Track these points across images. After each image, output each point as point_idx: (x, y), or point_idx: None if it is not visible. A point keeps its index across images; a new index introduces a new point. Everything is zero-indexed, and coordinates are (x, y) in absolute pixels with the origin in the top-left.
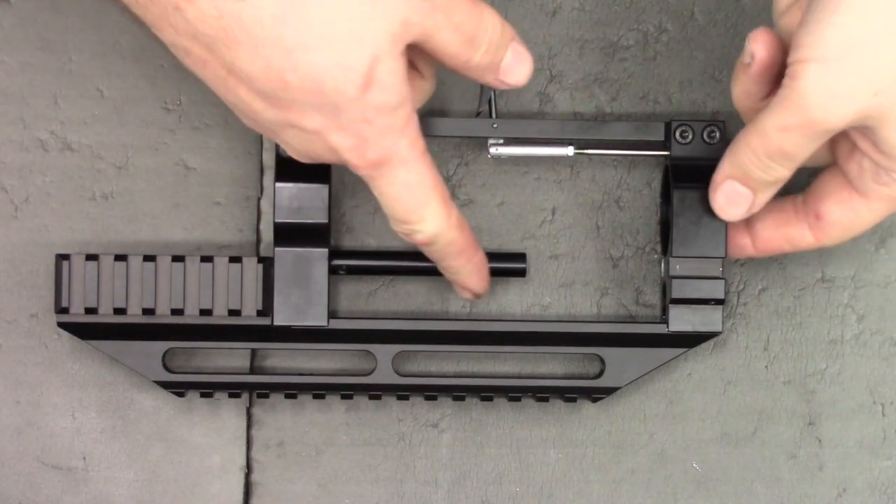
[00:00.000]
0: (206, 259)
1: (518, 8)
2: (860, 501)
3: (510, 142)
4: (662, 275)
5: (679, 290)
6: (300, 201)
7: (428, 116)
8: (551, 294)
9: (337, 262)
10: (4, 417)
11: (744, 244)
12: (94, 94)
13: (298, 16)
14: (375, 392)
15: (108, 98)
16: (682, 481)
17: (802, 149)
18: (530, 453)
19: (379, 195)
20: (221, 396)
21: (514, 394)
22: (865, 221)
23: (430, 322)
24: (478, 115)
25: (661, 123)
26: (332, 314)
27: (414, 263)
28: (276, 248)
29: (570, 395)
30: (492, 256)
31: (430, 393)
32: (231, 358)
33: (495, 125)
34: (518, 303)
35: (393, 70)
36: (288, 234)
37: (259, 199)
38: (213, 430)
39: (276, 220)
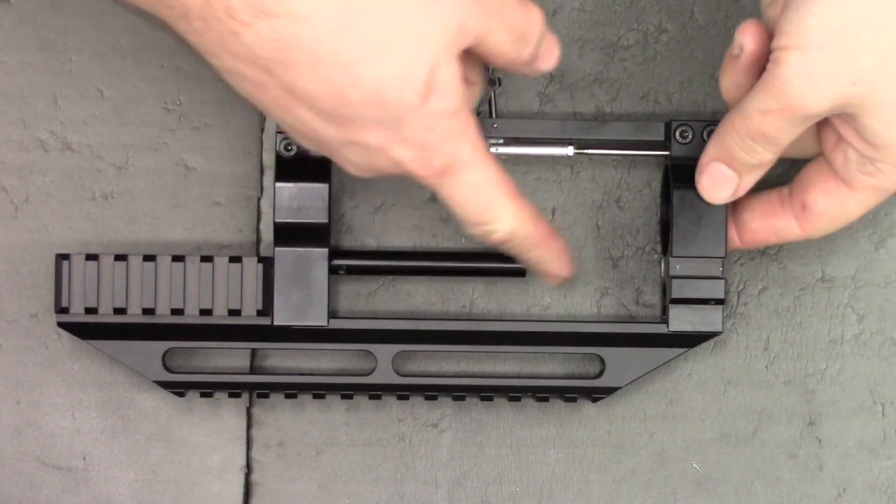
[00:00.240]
0: (206, 259)
1: None
2: (860, 501)
3: (510, 142)
4: (662, 275)
5: (679, 290)
6: (300, 201)
7: None
8: (551, 294)
9: (337, 262)
10: (4, 417)
11: (730, 236)
12: (94, 94)
13: (355, 30)
14: (375, 392)
15: (108, 98)
16: (682, 481)
17: (783, 133)
18: (530, 453)
19: (448, 202)
20: (221, 396)
21: (514, 394)
22: (852, 212)
23: (430, 322)
24: (478, 115)
25: (661, 123)
26: (332, 314)
27: (414, 263)
28: (276, 248)
29: (570, 395)
30: (492, 256)
31: (430, 393)
32: (231, 358)
33: (495, 125)
34: (518, 303)
35: (451, 75)
36: (288, 234)
37: (259, 199)
38: (213, 430)
39: (276, 220)
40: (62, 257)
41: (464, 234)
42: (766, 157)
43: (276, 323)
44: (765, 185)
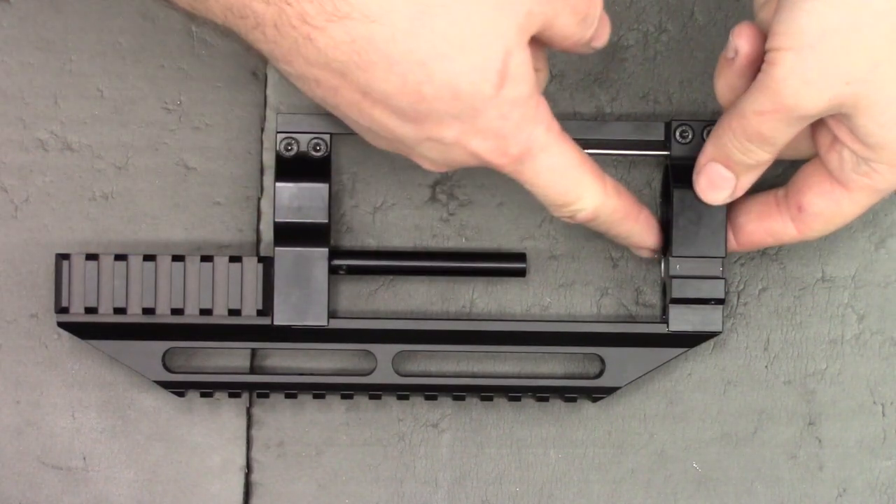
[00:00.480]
0: (206, 259)
1: None
2: (860, 501)
3: None
4: (662, 275)
5: (679, 289)
6: (300, 201)
7: None
8: (551, 294)
9: (337, 262)
10: (4, 417)
11: (727, 239)
12: (94, 94)
13: (429, 26)
14: (375, 392)
15: (108, 98)
16: (682, 481)
17: (779, 133)
18: (530, 453)
19: (530, 187)
20: (221, 396)
21: (514, 394)
22: (847, 213)
23: (430, 322)
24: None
25: (661, 123)
26: (332, 314)
27: (414, 263)
28: (276, 248)
29: (570, 395)
30: (492, 256)
31: (430, 393)
32: (231, 358)
33: None
34: (518, 303)
35: (523, 62)
36: (288, 234)
37: (259, 199)
38: (213, 430)
39: (276, 220)
40: (62, 257)
41: (551, 214)
42: (762, 158)
43: (276, 323)
44: (763, 186)
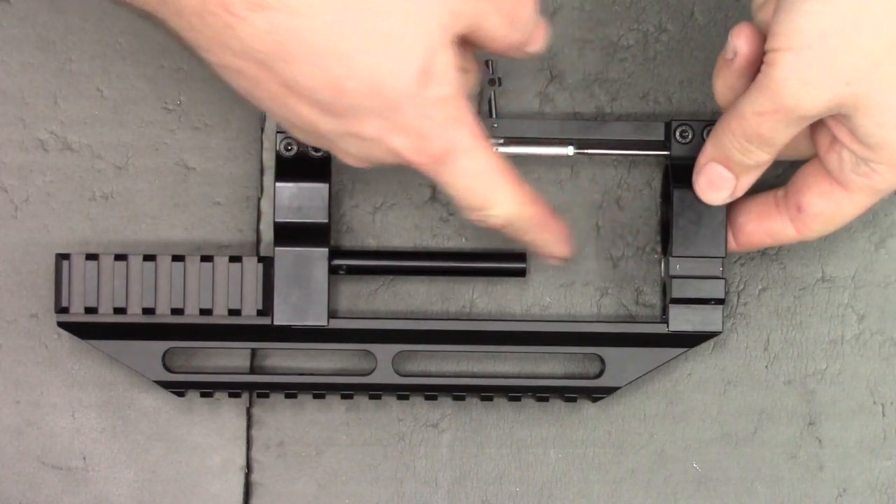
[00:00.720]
0: (206, 259)
1: None
2: (860, 501)
3: (510, 142)
4: (662, 275)
5: (679, 289)
6: (300, 201)
7: None
8: (551, 294)
9: (337, 262)
10: (4, 417)
11: (727, 239)
12: (94, 94)
13: (352, 21)
14: (375, 392)
15: (108, 98)
16: (682, 481)
17: (779, 134)
18: (530, 453)
19: (447, 188)
20: (221, 396)
21: (514, 394)
22: (847, 213)
23: (430, 322)
24: (478, 114)
25: (661, 123)
26: (332, 314)
27: (414, 263)
28: (276, 248)
29: (570, 395)
30: (492, 256)
31: (430, 393)
32: (231, 358)
33: (495, 125)
34: (518, 303)
35: (447, 62)
36: (288, 234)
37: (259, 199)
38: (213, 430)
39: (276, 220)
40: (62, 257)
41: (464, 218)
42: (762, 158)
43: (276, 323)
44: (762, 186)
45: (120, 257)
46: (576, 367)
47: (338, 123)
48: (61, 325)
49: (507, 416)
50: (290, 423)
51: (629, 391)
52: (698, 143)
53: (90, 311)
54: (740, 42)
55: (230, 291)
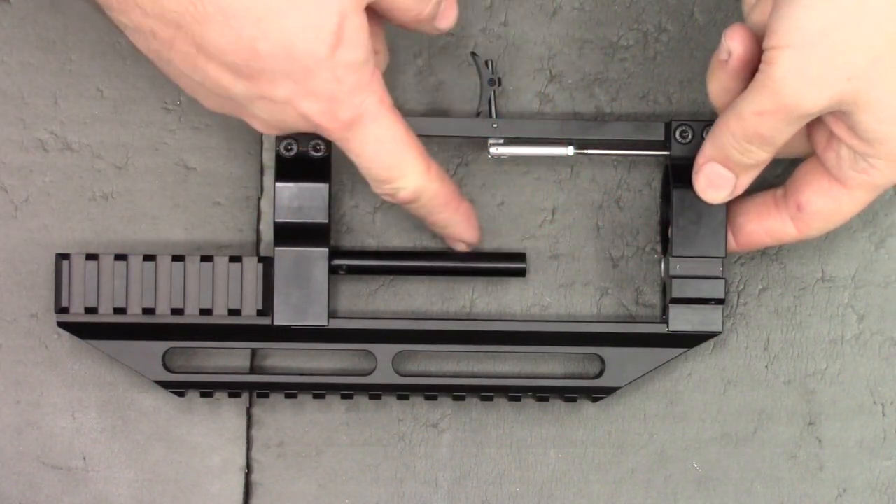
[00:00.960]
0: (206, 259)
1: (518, 8)
2: (860, 501)
3: (510, 142)
4: (662, 275)
5: (679, 289)
6: (300, 201)
7: (428, 116)
8: (551, 294)
9: (337, 262)
10: (4, 417)
11: (727, 240)
12: (94, 94)
13: None
14: (375, 392)
15: (108, 98)
16: (682, 481)
17: (779, 133)
18: (530, 453)
19: (356, 157)
20: (221, 396)
21: (514, 394)
22: (846, 210)
23: (430, 322)
24: (478, 115)
25: (661, 123)
26: (332, 314)
27: (414, 263)
28: (276, 248)
29: (570, 395)
30: (492, 256)
31: (430, 393)
32: (231, 358)
33: (495, 125)
34: (518, 303)
35: (359, 26)
36: (288, 234)
37: (259, 199)
38: (213, 430)
39: (276, 220)
40: (62, 257)
41: (374, 190)
42: (761, 157)
43: (276, 323)
44: (762, 185)
45: (120, 257)
46: (576, 367)
47: (249, 86)
48: (61, 325)
49: (507, 416)
50: (290, 423)
51: (629, 391)
52: (698, 143)
53: (90, 311)
54: (734, 43)
55: (230, 291)
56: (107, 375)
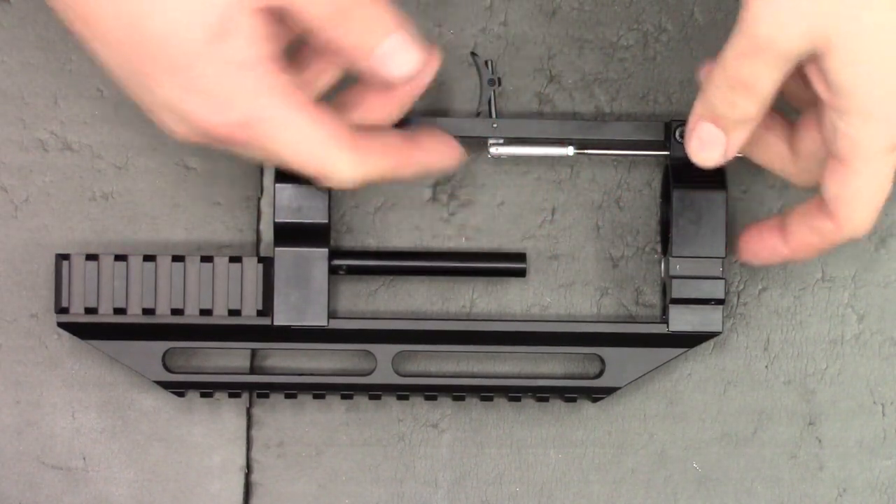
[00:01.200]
0: (206, 259)
1: (518, 8)
2: (860, 501)
3: (510, 142)
4: (662, 275)
5: (679, 290)
6: (300, 201)
7: (428, 116)
8: (551, 294)
9: (337, 262)
10: (4, 417)
11: (775, 244)
12: (94, 94)
13: None
14: (375, 392)
15: (108, 98)
16: (682, 481)
17: (760, 78)
18: (530, 453)
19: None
20: (221, 396)
21: (514, 394)
22: (862, 190)
23: (430, 322)
24: (478, 115)
25: (660, 123)
26: (332, 314)
27: (414, 263)
28: (276, 248)
29: (570, 395)
30: (492, 256)
31: (430, 393)
32: (231, 358)
33: (495, 125)
34: (518, 303)
35: (247, 25)
36: (288, 234)
37: (259, 199)
38: (213, 430)
39: (276, 220)
40: (62, 257)
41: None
42: (748, 110)
43: (276, 323)
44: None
45: (120, 257)
46: (576, 367)
47: (138, 85)
48: (61, 325)
49: (507, 416)
50: (290, 423)
51: (629, 391)
52: None
53: (90, 311)
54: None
55: (230, 292)
56: (107, 375)
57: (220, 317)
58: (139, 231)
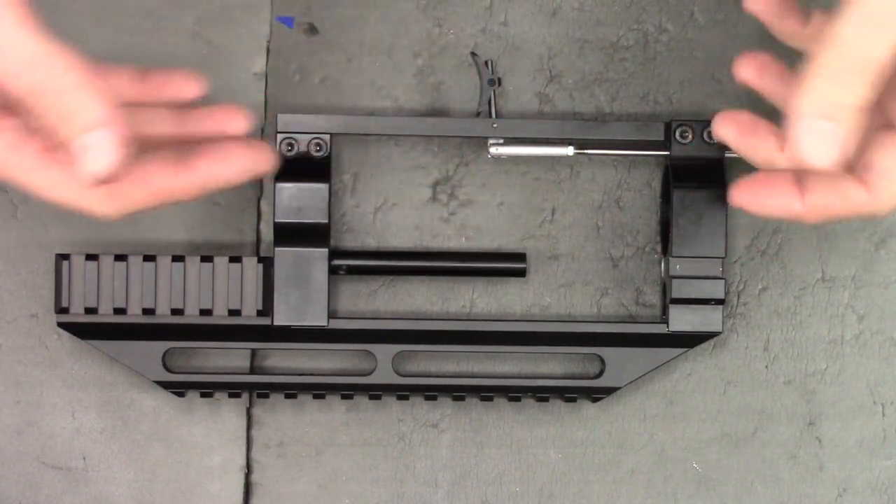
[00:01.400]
0: (206, 259)
1: (518, 8)
2: (860, 501)
3: (510, 142)
4: (662, 275)
5: (679, 290)
6: (300, 201)
7: (428, 116)
8: (551, 294)
9: (337, 262)
10: (4, 417)
11: (788, 199)
12: None
13: None
14: (375, 392)
15: None
16: (682, 481)
17: (876, 48)
18: (530, 453)
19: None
20: (221, 396)
21: (514, 394)
22: None
23: (430, 322)
24: (478, 115)
25: (661, 123)
26: (332, 314)
27: (414, 263)
28: (276, 248)
29: (570, 395)
30: (492, 256)
31: (430, 393)
32: (231, 358)
33: (495, 125)
34: (518, 303)
35: None
36: (288, 234)
37: (259, 199)
38: (213, 430)
39: (276, 220)
40: (62, 257)
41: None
42: (862, 93)
43: (276, 323)
44: None
45: (120, 257)
46: (576, 367)
47: None
48: (61, 325)
49: (507, 416)
50: (290, 423)
51: (629, 391)
52: (698, 144)
53: (90, 311)
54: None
55: (230, 292)
56: (107, 375)
57: (220, 317)
58: (139, 231)
